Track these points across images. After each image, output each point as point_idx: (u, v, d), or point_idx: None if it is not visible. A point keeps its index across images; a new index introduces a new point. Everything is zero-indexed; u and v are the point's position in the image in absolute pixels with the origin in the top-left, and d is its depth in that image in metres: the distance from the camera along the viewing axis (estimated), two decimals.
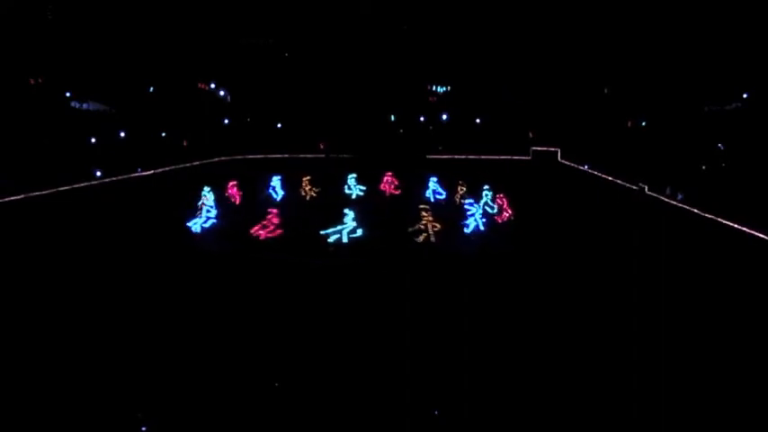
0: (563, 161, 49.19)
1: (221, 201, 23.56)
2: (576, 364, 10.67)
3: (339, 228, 18.90)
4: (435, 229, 19.52)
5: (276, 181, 27.60)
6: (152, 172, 36.21)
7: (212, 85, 59.67)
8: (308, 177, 28.39)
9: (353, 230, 18.99)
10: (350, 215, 19.03)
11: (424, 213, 19.71)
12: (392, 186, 28.16)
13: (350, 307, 13.66)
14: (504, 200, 22.45)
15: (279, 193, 27.41)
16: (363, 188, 27.80)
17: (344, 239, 18.81)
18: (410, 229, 19.65)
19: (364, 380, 10.10)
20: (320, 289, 14.95)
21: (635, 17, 48.02)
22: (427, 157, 51.46)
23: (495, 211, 22.72)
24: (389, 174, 28.37)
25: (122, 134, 43.30)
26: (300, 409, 9.17)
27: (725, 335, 11.99)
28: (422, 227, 19.49)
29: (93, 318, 12.72)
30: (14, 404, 9.22)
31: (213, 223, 20.97)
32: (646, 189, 30.46)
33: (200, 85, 59.11)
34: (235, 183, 26.38)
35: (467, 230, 20.35)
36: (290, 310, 13.36)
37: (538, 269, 16.65)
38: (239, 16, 55.64)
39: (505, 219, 22.11)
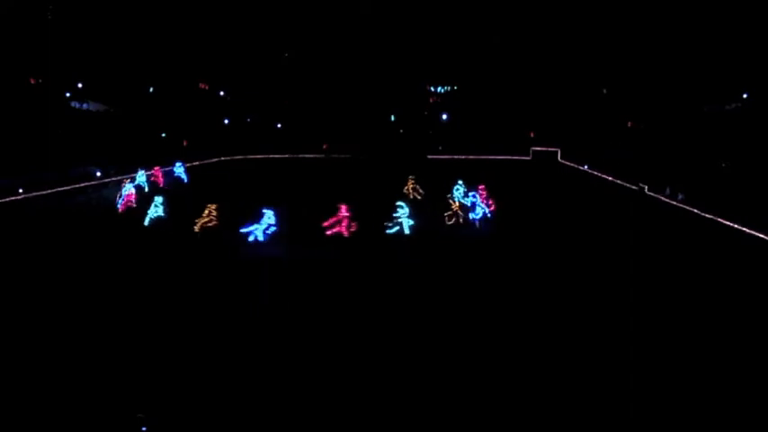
0: (563, 161, 49.24)
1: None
2: (574, 365, 10.67)
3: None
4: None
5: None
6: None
7: (212, 86, 59.74)
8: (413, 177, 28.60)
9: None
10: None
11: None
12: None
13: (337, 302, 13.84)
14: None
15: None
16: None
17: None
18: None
19: (360, 378, 10.11)
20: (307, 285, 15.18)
21: (634, 18, 48.02)
22: (428, 157, 51.54)
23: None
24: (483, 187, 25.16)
25: (122, 134, 43.31)
26: (299, 409, 9.18)
27: (725, 335, 11.99)
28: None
29: (93, 318, 12.72)
30: (14, 404, 9.23)
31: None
32: (646, 189, 30.49)
33: (200, 85, 59.21)
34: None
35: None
36: (283, 306, 13.37)
37: (536, 269, 16.64)
38: (239, 16, 55.62)
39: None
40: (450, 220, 21.70)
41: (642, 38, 47.04)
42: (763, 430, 8.86)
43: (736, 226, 21.66)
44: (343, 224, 19.44)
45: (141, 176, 30.08)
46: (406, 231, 19.90)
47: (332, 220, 19.53)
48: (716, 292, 14.65)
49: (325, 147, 52.74)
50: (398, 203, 20.36)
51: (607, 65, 52.21)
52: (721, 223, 22.54)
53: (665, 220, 24.04)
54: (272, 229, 19.22)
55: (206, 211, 20.34)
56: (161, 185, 31.69)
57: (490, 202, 23.37)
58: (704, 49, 41.54)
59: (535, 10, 54.76)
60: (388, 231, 19.92)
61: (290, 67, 59.75)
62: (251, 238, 19.04)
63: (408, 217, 20.06)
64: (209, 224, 20.13)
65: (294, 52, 60.16)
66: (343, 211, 19.55)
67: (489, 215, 22.26)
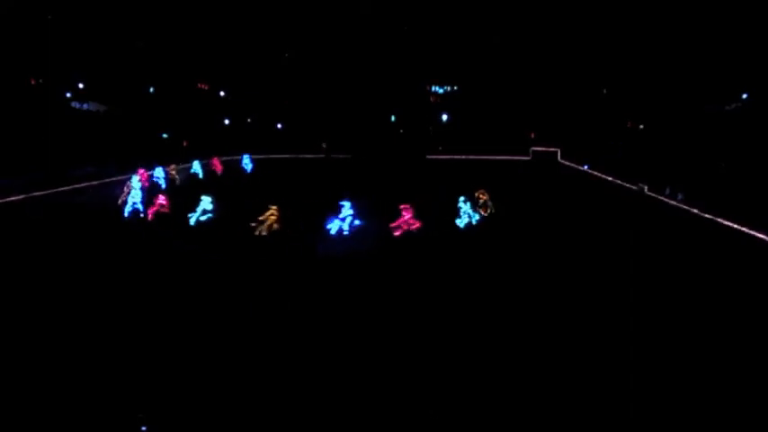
0: (563, 161, 49.24)
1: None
2: (572, 367, 10.66)
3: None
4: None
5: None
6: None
7: (212, 86, 59.76)
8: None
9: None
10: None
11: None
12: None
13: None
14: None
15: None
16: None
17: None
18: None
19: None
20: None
21: (634, 18, 48.05)
22: (427, 157, 51.55)
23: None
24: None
25: (122, 134, 43.37)
26: (297, 409, 9.19)
27: (724, 335, 11.99)
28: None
29: (93, 318, 12.73)
30: (14, 404, 9.24)
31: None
32: (646, 189, 30.49)
33: (199, 85, 59.27)
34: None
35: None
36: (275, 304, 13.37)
37: (536, 268, 16.62)
38: (239, 16, 55.64)
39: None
40: (257, 231, 19.39)
41: (642, 38, 47.06)
42: (763, 430, 8.87)
43: (735, 226, 21.66)
44: (151, 210, 21.84)
45: (196, 165, 34.24)
46: (190, 223, 20.88)
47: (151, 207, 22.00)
48: (716, 292, 14.65)
49: (323, 147, 52.78)
50: (202, 196, 21.23)
51: (607, 65, 52.24)
52: (721, 223, 22.53)
53: (664, 220, 24.03)
54: (134, 207, 22.33)
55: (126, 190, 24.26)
56: (219, 173, 35.84)
57: (411, 221, 19.69)
58: (704, 48, 41.56)
59: (535, 10, 54.78)
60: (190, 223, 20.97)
61: (290, 67, 59.78)
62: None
63: (207, 212, 20.92)
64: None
65: (294, 52, 60.18)
66: (160, 199, 22.07)
67: (347, 231, 19.35)
